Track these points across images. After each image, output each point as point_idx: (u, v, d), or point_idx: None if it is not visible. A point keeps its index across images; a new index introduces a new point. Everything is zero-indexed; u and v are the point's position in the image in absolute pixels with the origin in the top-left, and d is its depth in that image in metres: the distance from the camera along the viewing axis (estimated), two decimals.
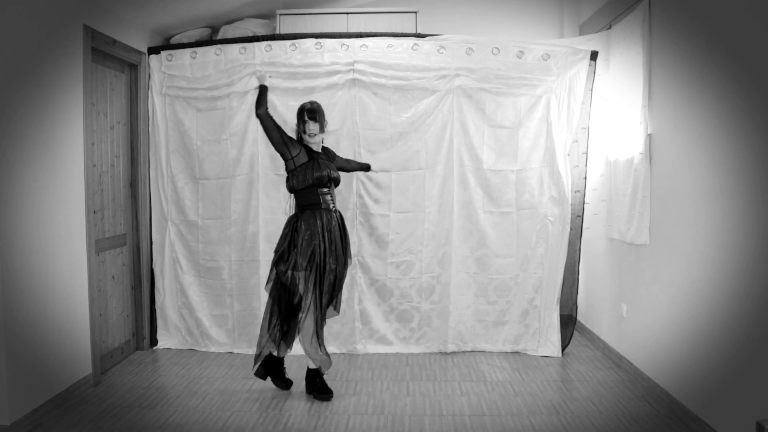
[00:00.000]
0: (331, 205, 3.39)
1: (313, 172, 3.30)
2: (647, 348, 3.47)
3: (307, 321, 3.28)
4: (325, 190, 3.37)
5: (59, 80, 3.21)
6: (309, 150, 3.40)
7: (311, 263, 3.27)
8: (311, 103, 3.44)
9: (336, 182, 3.45)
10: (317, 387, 3.38)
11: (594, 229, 4.27)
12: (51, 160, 3.14)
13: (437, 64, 4.04)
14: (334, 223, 3.38)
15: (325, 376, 3.47)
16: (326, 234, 3.31)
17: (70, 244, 3.31)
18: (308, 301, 3.26)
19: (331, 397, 3.35)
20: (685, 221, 3.05)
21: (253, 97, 4.11)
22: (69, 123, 3.30)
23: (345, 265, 3.48)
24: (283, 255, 3.30)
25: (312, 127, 3.36)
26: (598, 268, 4.29)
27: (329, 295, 3.38)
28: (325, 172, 3.33)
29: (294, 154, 3.33)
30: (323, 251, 3.29)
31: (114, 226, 3.94)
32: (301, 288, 3.26)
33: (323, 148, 3.56)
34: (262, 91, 3.43)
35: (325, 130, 3.49)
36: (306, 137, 3.39)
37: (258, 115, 3.35)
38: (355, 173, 4.12)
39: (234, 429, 2.99)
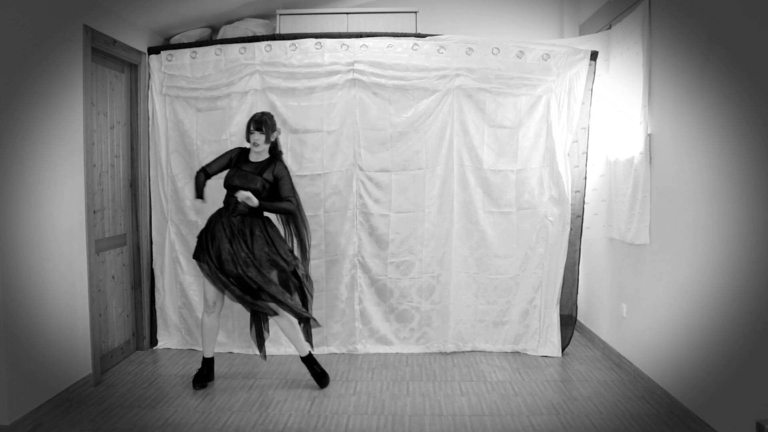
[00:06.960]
0: (235, 211, 3.43)
1: (229, 179, 3.48)
2: (647, 348, 3.47)
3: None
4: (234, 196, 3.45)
5: (59, 80, 3.21)
6: (244, 160, 3.52)
7: (207, 258, 3.41)
8: (261, 113, 3.53)
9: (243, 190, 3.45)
10: (315, 375, 3.54)
11: (594, 229, 4.27)
12: (51, 160, 3.13)
13: (437, 64, 4.04)
14: (236, 229, 3.41)
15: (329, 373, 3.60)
16: (227, 236, 3.39)
17: (70, 244, 3.31)
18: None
19: (327, 381, 3.54)
20: (685, 221, 3.05)
21: (253, 97, 4.14)
22: (69, 123, 3.30)
23: (262, 269, 3.41)
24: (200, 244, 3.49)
25: (257, 137, 3.46)
26: (598, 268, 4.29)
27: (243, 300, 3.39)
28: (236, 182, 3.45)
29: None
30: (219, 251, 3.39)
31: (114, 226, 3.94)
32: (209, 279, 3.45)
33: (270, 159, 3.54)
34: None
35: (272, 139, 3.52)
36: (251, 146, 3.50)
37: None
38: (355, 173, 4.13)
39: (234, 429, 2.99)
